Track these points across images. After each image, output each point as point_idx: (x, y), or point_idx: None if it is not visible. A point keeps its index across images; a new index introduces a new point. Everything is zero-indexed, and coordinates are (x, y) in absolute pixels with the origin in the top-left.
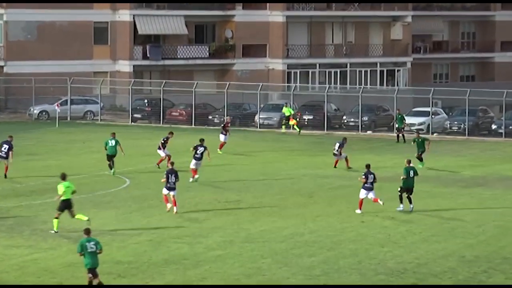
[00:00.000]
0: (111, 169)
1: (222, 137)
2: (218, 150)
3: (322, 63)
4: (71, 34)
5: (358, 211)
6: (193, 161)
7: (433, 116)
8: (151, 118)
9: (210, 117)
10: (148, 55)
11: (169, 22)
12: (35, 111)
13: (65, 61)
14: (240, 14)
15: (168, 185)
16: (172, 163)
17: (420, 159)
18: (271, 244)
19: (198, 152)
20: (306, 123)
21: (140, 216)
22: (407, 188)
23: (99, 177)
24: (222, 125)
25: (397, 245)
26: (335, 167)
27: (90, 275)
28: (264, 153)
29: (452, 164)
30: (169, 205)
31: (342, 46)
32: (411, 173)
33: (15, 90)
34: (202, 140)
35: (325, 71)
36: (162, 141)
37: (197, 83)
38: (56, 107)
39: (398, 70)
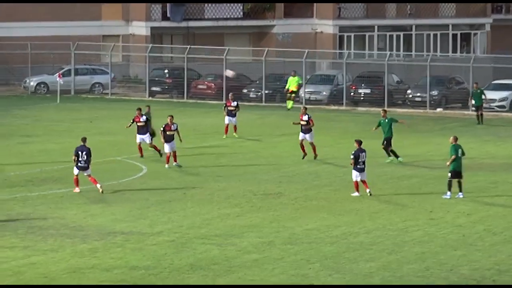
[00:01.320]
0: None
1: (226, 119)
2: (225, 135)
3: (381, 25)
4: None
5: (355, 193)
6: (165, 144)
7: None
8: (172, 92)
9: (244, 90)
10: (168, 15)
11: None
12: (31, 83)
13: (68, 22)
14: None
15: (79, 164)
16: (84, 139)
17: (388, 152)
18: (319, 246)
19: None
20: (362, 98)
21: (159, 211)
22: (457, 171)
23: (109, 164)
24: (224, 105)
25: (474, 248)
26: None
27: None
28: None
29: None
30: (77, 189)
31: (405, 4)
32: (460, 152)
33: (7, 58)
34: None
35: (385, 35)
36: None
37: (228, 50)
38: (58, 79)
39: (474, 34)
